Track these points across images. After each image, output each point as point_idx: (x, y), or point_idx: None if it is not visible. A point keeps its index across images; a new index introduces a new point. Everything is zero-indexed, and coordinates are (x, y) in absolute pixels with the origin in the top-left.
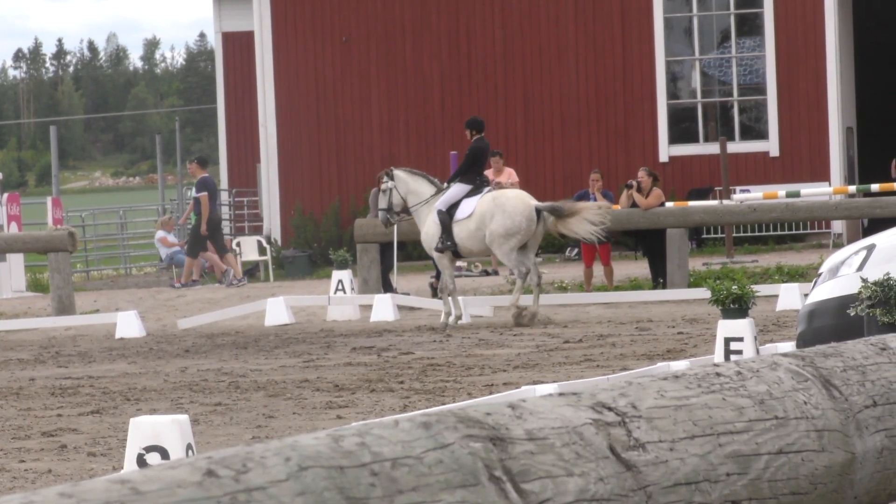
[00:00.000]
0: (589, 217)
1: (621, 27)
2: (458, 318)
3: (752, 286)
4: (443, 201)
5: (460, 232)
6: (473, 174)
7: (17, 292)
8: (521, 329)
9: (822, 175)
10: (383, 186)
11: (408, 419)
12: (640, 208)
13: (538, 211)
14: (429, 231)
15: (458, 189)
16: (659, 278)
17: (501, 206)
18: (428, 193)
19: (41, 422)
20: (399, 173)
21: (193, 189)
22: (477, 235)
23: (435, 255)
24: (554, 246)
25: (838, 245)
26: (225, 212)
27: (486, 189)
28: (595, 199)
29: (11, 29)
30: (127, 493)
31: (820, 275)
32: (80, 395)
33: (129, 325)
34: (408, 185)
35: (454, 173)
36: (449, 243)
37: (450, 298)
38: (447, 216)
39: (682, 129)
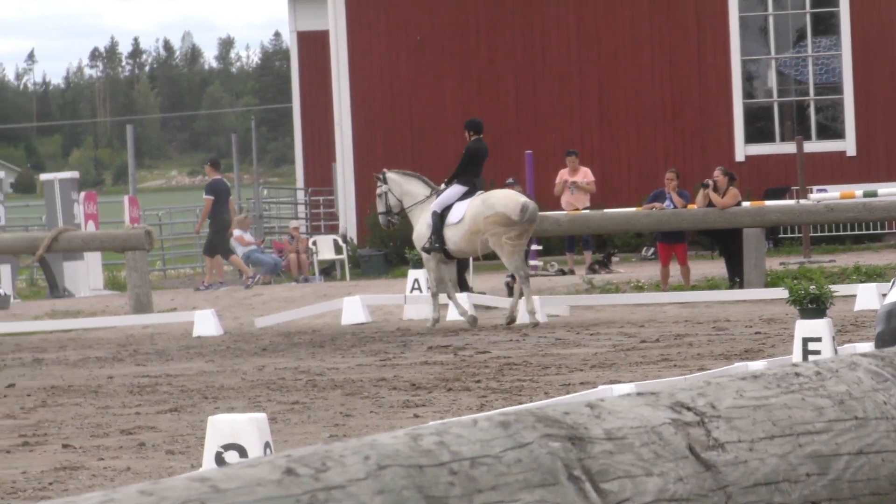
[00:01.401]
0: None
1: (696, 26)
2: (436, 320)
3: (829, 286)
4: (438, 203)
5: (452, 236)
6: (470, 176)
7: (94, 291)
8: (597, 328)
9: None
10: (378, 191)
11: (486, 418)
12: (717, 208)
13: (525, 208)
14: (420, 231)
15: (453, 191)
16: (735, 278)
17: (492, 205)
18: (422, 194)
19: (120, 420)
20: (392, 175)
21: (205, 191)
22: (469, 236)
23: (423, 255)
24: (630, 245)
25: None
26: (301, 211)
27: (480, 192)
28: (671, 199)
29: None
30: (207, 491)
31: None
32: (158, 394)
33: (206, 323)
34: (402, 186)
35: (452, 175)
36: (437, 245)
37: (433, 299)
38: (440, 218)
39: (758, 128)
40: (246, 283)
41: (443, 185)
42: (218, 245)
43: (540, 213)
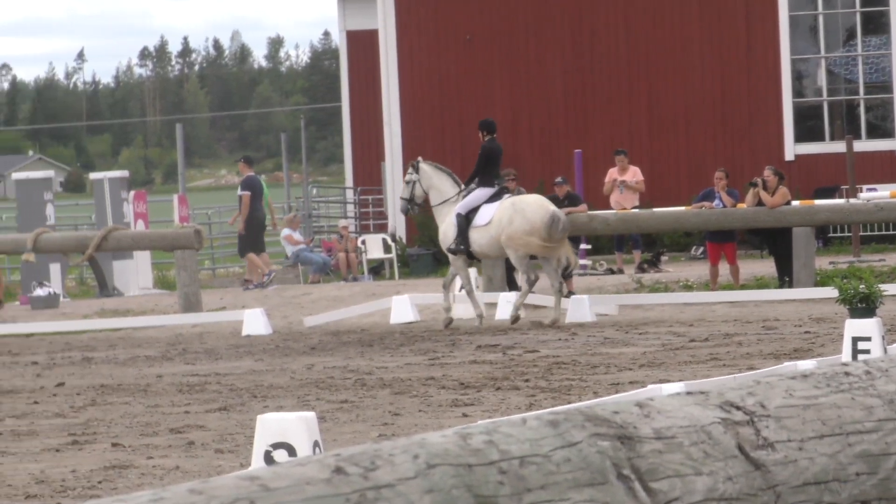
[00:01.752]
0: (564, 254)
1: (746, 25)
2: (480, 316)
3: (879, 285)
4: (463, 205)
5: (479, 238)
6: (491, 176)
7: (144, 289)
8: (646, 328)
9: None
10: (407, 178)
11: (535, 417)
12: (766, 207)
13: (554, 219)
14: (446, 231)
15: (479, 193)
16: (785, 277)
17: (521, 210)
18: (450, 192)
19: (169, 418)
20: (424, 167)
21: (239, 188)
22: (496, 241)
23: (450, 255)
24: (679, 245)
25: None
26: (350, 210)
27: (507, 195)
28: (720, 198)
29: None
30: (256, 489)
31: None
32: (207, 392)
33: (256, 322)
34: (431, 179)
35: (471, 175)
36: (462, 247)
37: (469, 297)
38: (465, 220)
39: (808, 127)
40: (253, 284)
41: (464, 186)
42: (250, 242)
43: (589, 211)
